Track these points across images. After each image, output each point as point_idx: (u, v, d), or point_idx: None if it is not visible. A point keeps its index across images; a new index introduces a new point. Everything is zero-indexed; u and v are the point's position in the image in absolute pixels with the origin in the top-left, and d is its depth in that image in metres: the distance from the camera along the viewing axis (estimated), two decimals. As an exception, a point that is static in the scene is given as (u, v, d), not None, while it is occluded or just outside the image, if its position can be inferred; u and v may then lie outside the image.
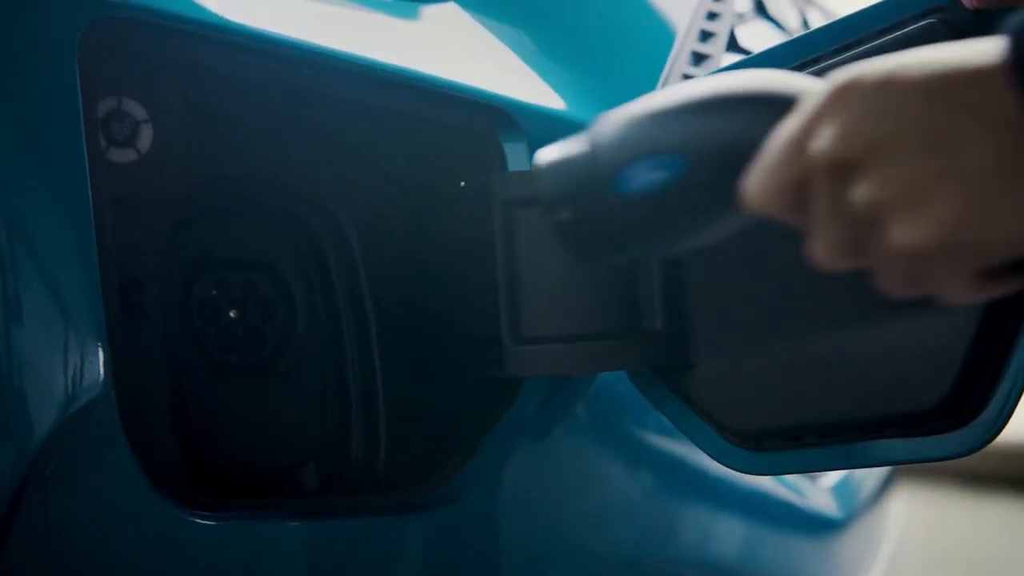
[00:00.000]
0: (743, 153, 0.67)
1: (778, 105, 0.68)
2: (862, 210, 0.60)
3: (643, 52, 1.07)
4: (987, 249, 0.58)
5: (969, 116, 0.57)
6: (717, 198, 0.69)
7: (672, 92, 0.75)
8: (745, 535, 1.16)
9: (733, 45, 1.10)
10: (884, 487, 1.51)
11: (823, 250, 0.64)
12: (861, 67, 0.61)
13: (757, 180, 0.65)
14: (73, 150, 0.77)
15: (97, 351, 0.77)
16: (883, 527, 1.49)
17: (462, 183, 0.94)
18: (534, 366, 0.90)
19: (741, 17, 1.15)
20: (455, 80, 0.91)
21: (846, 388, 0.91)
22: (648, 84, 1.01)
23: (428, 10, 0.96)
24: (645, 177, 0.73)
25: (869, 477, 1.46)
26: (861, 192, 0.60)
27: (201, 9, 0.83)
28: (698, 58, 1.06)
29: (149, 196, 0.87)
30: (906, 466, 2.69)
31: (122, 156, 0.86)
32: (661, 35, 1.07)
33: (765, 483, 1.17)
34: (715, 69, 1.03)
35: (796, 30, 1.25)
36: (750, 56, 0.92)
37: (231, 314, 0.96)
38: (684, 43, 1.05)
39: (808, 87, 0.68)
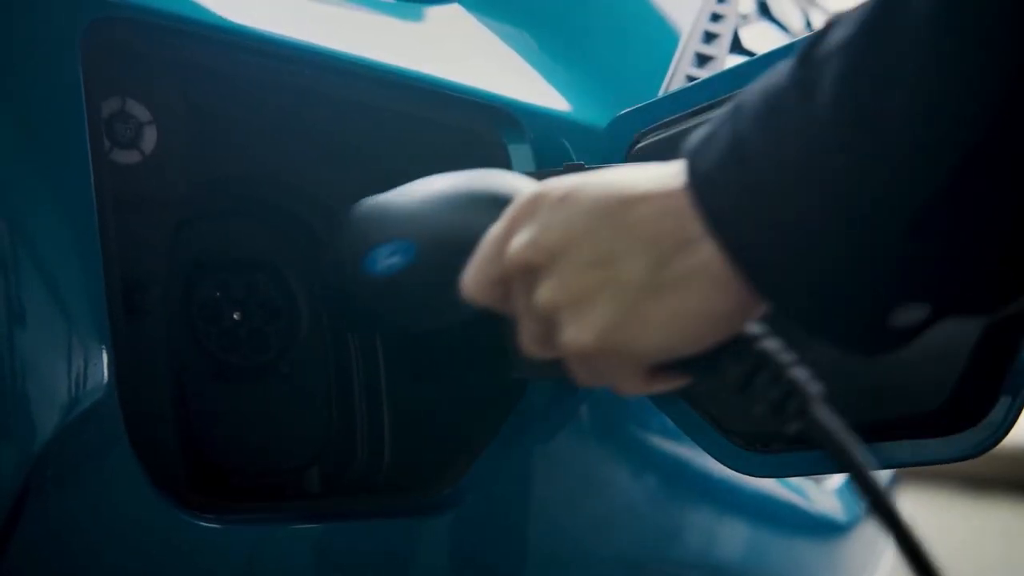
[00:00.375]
0: (465, 246, 0.73)
1: (495, 204, 0.73)
2: (542, 310, 0.67)
3: (647, 54, 1.07)
4: (641, 352, 0.65)
5: (627, 234, 0.63)
6: (444, 285, 0.74)
7: (417, 184, 0.83)
8: (750, 538, 1.16)
9: (737, 46, 1.10)
10: (888, 489, 1.51)
11: (525, 340, 0.71)
12: (551, 181, 0.68)
13: (470, 273, 0.72)
14: (77, 151, 0.77)
15: (100, 352, 0.77)
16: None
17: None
18: (539, 369, 0.90)
19: (745, 19, 1.15)
20: (459, 81, 0.90)
21: (850, 390, 0.91)
22: (652, 85, 1.00)
23: (432, 11, 0.96)
24: (385, 260, 0.80)
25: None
26: (540, 294, 0.67)
27: (204, 10, 0.83)
28: (702, 59, 1.05)
29: (152, 197, 0.87)
30: (909, 469, 2.68)
31: (126, 157, 0.86)
32: (665, 37, 1.07)
33: (770, 485, 1.16)
34: (719, 70, 1.03)
35: (799, 32, 1.25)
36: (754, 58, 0.92)
37: (234, 316, 0.96)
38: (688, 44, 1.05)
39: (523, 188, 0.74)
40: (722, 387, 0.83)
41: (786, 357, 0.65)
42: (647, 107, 0.90)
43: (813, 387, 0.65)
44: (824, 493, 1.29)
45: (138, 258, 0.86)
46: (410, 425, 0.98)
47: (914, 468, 3.32)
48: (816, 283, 0.59)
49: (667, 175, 0.63)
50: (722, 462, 0.90)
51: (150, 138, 0.86)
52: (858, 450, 0.63)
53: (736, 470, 0.91)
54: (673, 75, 1.02)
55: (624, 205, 0.64)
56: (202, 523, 0.82)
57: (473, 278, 0.72)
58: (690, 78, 1.03)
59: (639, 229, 0.63)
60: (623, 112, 0.90)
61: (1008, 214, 0.56)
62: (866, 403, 0.90)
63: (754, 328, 0.65)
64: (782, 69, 0.60)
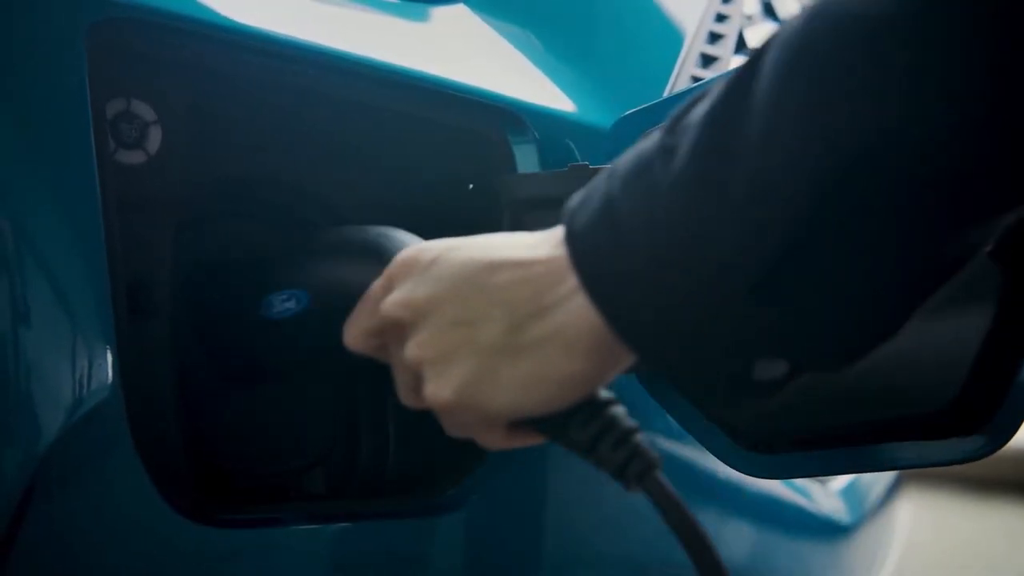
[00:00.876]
0: (352, 297, 0.78)
1: (381, 260, 0.78)
2: (410, 364, 0.71)
3: (652, 54, 1.06)
4: (495, 410, 0.69)
5: (488, 298, 0.68)
6: (334, 332, 0.79)
7: (316, 234, 0.90)
8: (755, 539, 1.16)
9: (742, 47, 1.10)
10: (892, 491, 1.51)
11: (400, 389, 0.76)
12: (428, 243, 0.73)
13: (350, 324, 0.78)
14: (81, 152, 0.77)
15: (104, 353, 0.77)
16: (892, 531, 1.48)
17: (471, 185, 0.94)
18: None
19: (750, 19, 1.15)
20: (464, 82, 0.90)
21: (856, 391, 0.91)
22: (657, 86, 1.00)
23: (438, 12, 0.96)
24: (280, 305, 0.86)
25: (877, 481, 1.45)
26: (408, 349, 0.71)
27: (209, 10, 0.83)
28: (707, 60, 1.05)
29: (157, 197, 0.86)
30: (913, 471, 2.68)
31: (131, 158, 0.85)
32: (670, 37, 1.07)
33: (774, 486, 1.16)
34: (724, 71, 1.02)
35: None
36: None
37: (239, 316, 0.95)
38: (693, 45, 1.05)
39: (406, 243, 0.80)
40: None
41: (630, 423, 0.70)
42: (652, 108, 0.89)
43: (652, 453, 0.70)
44: (828, 494, 1.29)
45: (143, 258, 0.85)
46: (414, 426, 0.97)
47: (918, 469, 3.30)
48: (678, 337, 0.64)
49: (537, 242, 0.68)
50: (726, 463, 0.90)
51: (155, 138, 0.86)
52: (695, 517, 0.68)
53: (740, 471, 0.91)
54: (678, 75, 1.02)
55: (488, 270, 0.69)
56: (205, 525, 0.82)
57: (352, 329, 0.78)
58: (695, 79, 1.03)
59: (499, 294, 0.68)
60: (628, 113, 0.90)
61: (842, 282, 0.61)
62: (872, 403, 0.90)
63: (603, 395, 0.70)
64: (654, 136, 0.65)
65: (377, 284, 0.76)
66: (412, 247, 0.75)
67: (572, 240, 0.66)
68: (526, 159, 0.90)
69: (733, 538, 1.13)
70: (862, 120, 0.57)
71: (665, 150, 0.63)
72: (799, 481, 1.21)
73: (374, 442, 0.98)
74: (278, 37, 0.84)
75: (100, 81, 0.78)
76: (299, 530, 0.87)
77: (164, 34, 0.81)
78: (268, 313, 0.88)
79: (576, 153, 0.92)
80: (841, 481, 1.33)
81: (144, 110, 0.85)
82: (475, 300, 0.69)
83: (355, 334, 0.78)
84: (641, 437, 0.70)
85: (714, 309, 0.62)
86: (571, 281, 0.66)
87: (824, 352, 0.64)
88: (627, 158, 0.66)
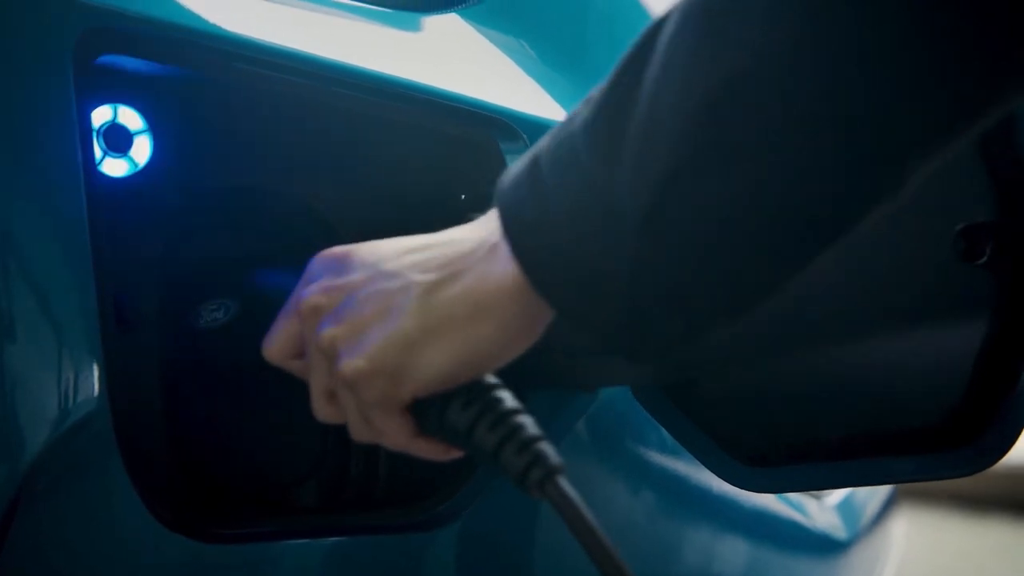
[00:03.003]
0: (278, 307, 0.79)
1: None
2: (325, 344, 0.73)
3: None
4: (409, 374, 0.71)
5: (406, 270, 0.71)
6: (260, 342, 0.80)
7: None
8: (750, 554, 1.15)
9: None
10: (888, 506, 1.50)
11: (314, 399, 0.77)
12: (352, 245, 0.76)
13: (272, 331, 0.79)
14: (68, 161, 0.76)
15: (92, 365, 0.76)
16: (887, 547, 1.48)
17: (462, 195, 0.93)
18: (536, 379, 0.89)
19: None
20: (456, 91, 0.90)
21: (852, 405, 0.91)
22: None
23: (430, 21, 0.96)
24: (209, 315, 0.90)
25: (873, 496, 1.45)
26: (324, 330, 0.73)
27: (199, 19, 0.82)
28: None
29: (145, 207, 0.86)
30: (906, 487, 2.67)
31: (118, 167, 0.85)
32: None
33: (770, 501, 1.16)
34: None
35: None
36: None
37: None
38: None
39: None
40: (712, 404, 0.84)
41: (535, 431, 0.71)
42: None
43: (556, 460, 0.70)
44: (824, 509, 1.28)
45: (130, 269, 0.85)
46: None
47: (911, 485, 3.30)
48: (583, 281, 0.66)
49: (458, 230, 0.73)
50: (722, 477, 0.90)
51: (143, 148, 0.85)
52: (597, 524, 0.68)
53: (735, 485, 0.90)
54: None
55: (407, 251, 0.73)
56: (194, 538, 0.81)
57: (273, 334, 0.78)
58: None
59: (417, 266, 0.71)
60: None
61: (722, 224, 0.63)
62: (868, 416, 0.90)
63: (511, 403, 0.72)
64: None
65: (298, 287, 0.77)
66: (332, 248, 0.77)
67: (500, 194, 0.70)
68: (518, 169, 0.90)
69: (728, 554, 1.12)
70: (746, 42, 0.59)
71: (586, 101, 0.67)
72: (794, 496, 1.21)
73: (366, 454, 0.97)
74: (269, 47, 0.84)
75: (87, 90, 0.77)
76: (289, 544, 0.86)
77: (154, 43, 0.81)
78: (196, 322, 0.89)
79: (569, 163, 0.92)
80: (836, 496, 1.33)
81: (132, 119, 0.85)
82: (393, 276, 0.72)
83: (275, 339, 0.79)
84: (545, 445, 0.70)
85: (608, 250, 0.65)
86: (483, 249, 0.70)
87: (710, 298, 0.66)
88: (558, 125, 0.69)
